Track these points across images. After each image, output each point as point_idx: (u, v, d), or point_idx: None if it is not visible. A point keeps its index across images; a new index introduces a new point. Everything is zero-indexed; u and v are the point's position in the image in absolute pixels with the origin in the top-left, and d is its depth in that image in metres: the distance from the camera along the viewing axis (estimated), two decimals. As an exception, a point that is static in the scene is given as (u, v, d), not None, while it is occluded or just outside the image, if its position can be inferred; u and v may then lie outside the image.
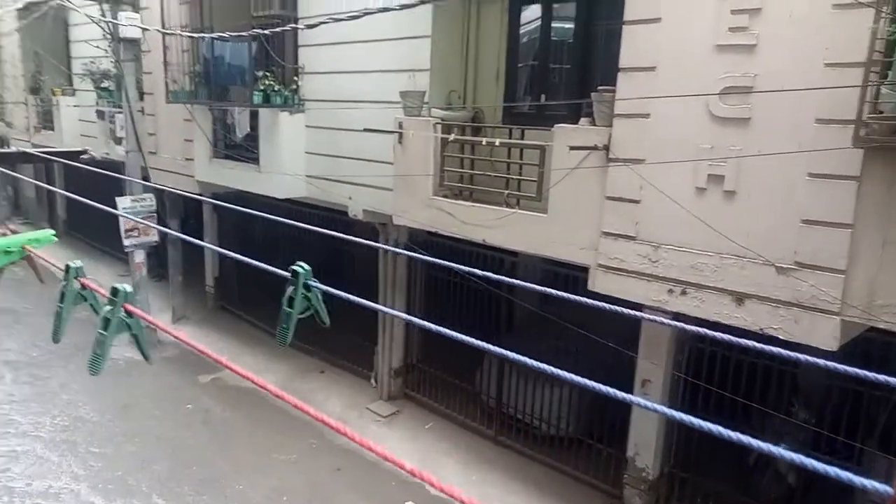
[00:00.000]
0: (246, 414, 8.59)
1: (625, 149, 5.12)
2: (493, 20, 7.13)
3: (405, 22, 6.77)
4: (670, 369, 6.09)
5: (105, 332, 0.87)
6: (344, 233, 9.54)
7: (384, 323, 8.76)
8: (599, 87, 5.32)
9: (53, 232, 0.89)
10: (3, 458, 7.47)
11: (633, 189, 5.11)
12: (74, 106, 13.78)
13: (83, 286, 0.90)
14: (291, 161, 8.53)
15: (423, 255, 3.54)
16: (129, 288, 0.89)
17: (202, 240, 11.77)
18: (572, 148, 5.31)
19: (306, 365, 9.92)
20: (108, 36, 10.51)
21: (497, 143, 6.03)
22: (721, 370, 5.71)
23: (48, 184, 15.79)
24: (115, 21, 9.90)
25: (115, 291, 0.87)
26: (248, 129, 8.96)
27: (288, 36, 8.10)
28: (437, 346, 8.19)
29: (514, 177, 6.18)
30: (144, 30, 9.69)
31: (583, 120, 5.51)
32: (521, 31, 7.15)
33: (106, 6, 10.17)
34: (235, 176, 9.36)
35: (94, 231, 15.32)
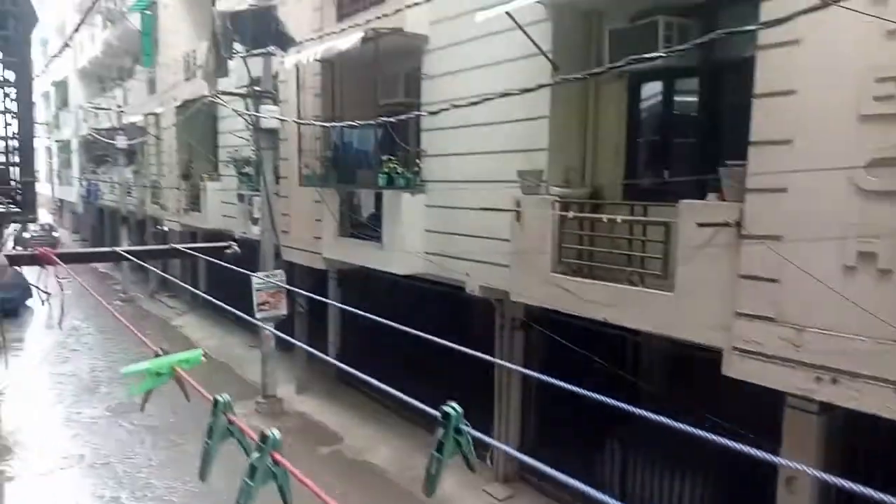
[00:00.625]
0: (363, 488, 8.59)
1: (759, 225, 4.83)
2: (612, 97, 7.14)
3: (523, 104, 6.91)
4: (821, 466, 5.46)
5: (251, 483, 0.87)
6: (461, 308, 9.64)
7: (500, 401, 8.59)
8: (728, 162, 5.12)
9: (202, 352, 0.94)
10: (139, 520, 7.89)
11: (770, 267, 4.77)
12: (219, 190, 15.15)
13: (230, 422, 0.92)
14: (411, 239, 8.80)
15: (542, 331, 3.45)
16: (278, 434, 0.89)
17: (326, 314, 12.27)
18: (700, 224, 5.09)
19: (422, 440, 9.83)
20: (251, 127, 11.57)
21: (619, 220, 5.90)
22: (885, 470, 5.04)
23: (192, 263, 17.24)
24: (256, 114, 10.91)
25: (263, 438, 0.87)
26: (372, 209, 9.40)
27: (411, 121, 8.53)
28: (556, 427, 7.88)
29: (638, 253, 5.98)
30: (282, 121, 10.58)
31: (710, 195, 5.29)
32: (642, 105, 7.10)
33: (249, 101, 11.26)
34: (359, 253, 9.77)
35: (229, 303, 16.40)
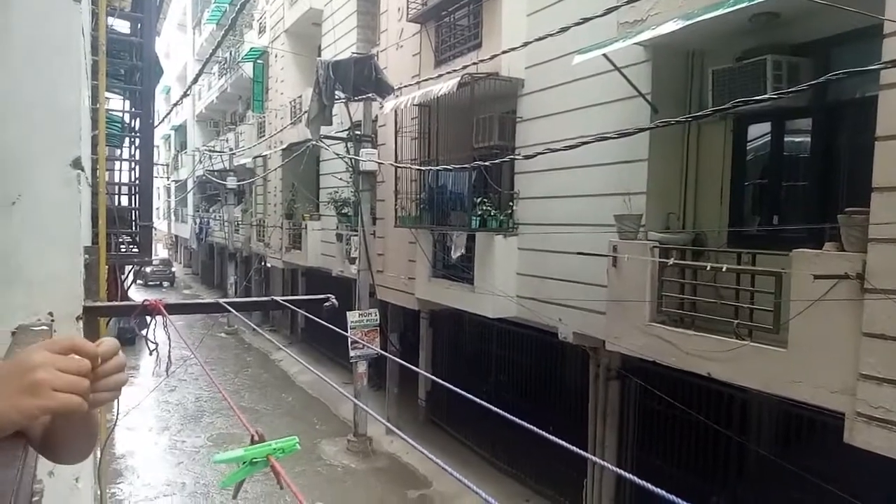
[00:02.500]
0: (450, 537, 8.42)
1: (885, 279, 4.40)
2: (715, 139, 6.84)
3: (620, 146, 6.75)
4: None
5: None
6: (553, 355, 9.39)
7: (594, 451, 8.22)
8: (847, 209, 4.72)
9: (296, 440, 0.91)
10: (233, 554, 8.07)
11: (899, 326, 4.32)
12: (318, 229, 15.73)
13: None
14: (503, 281, 8.71)
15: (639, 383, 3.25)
16: None
17: (418, 352, 12.32)
18: (816, 277, 4.70)
19: (512, 490, 9.57)
20: (350, 169, 11.98)
21: (724, 269, 5.57)
22: None
23: (292, 294, 17.90)
24: (356, 157, 11.30)
25: None
26: (464, 251, 9.40)
27: (505, 164, 8.52)
28: (655, 484, 7.41)
29: (745, 305, 5.60)
30: (380, 163, 10.90)
31: (828, 245, 4.89)
32: (748, 147, 6.75)
33: (350, 144, 11.69)
34: (451, 294, 9.77)
35: (325, 340, 16.89)
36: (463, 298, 9.49)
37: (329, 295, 2.18)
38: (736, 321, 5.53)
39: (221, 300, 1.96)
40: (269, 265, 20.38)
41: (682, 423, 7.18)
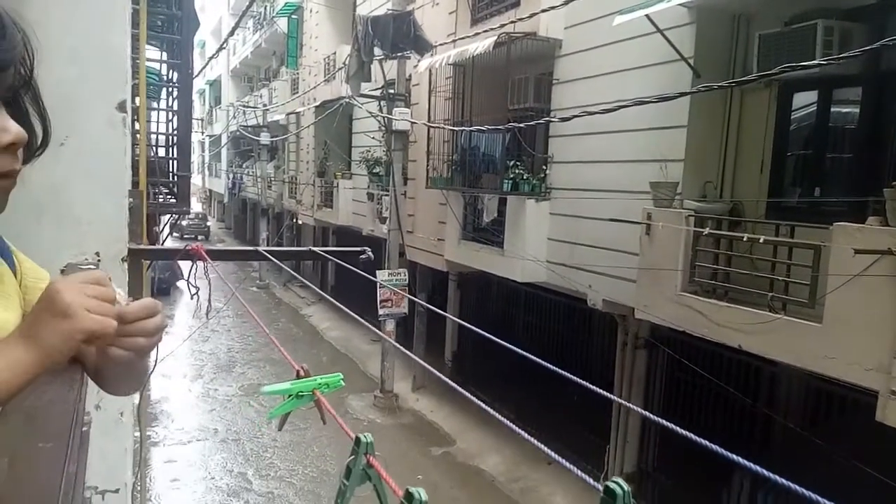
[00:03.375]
0: (471, 494, 8.60)
1: (930, 255, 4.27)
2: (758, 107, 6.64)
3: (659, 112, 6.60)
4: None
5: (347, 482, 0.84)
6: (581, 321, 9.39)
7: (618, 420, 8.26)
8: (895, 183, 4.57)
9: (341, 377, 0.94)
10: (262, 498, 8.38)
11: (940, 304, 4.21)
12: (350, 188, 15.79)
13: (370, 465, 0.89)
14: (534, 246, 8.68)
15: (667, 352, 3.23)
16: (371, 438, 0.85)
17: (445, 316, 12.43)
18: (857, 251, 4.58)
19: (534, 452, 9.68)
20: (383, 128, 11.95)
21: (761, 240, 5.46)
22: None
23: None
24: (389, 116, 11.25)
25: (358, 442, 0.84)
26: (496, 214, 9.37)
27: (539, 126, 8.41)
28: (677, 453, 7.45)
29: (781, 278, 5.50)
30: (413, 123, 10.83)
31: (871, 219, 4.75)
32: (793, 116, 6.54)
33: (383, 103, 11.63)
34: (480, 257, 9.78)
35: (355, 298, 17.10)
36: (492, 262, 9.49)
37: (365, 248, 2.19)
38: (770, 294, 5.45)
39: (260, 248, 1.99)
40: (300, 222, 20.59)
41: (709, 394, 7.16)
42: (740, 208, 6.60)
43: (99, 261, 1.59)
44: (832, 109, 6.23)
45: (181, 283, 20.18)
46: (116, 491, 1.86)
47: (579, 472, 1.00)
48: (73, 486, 0.56)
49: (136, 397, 2.55)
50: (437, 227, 11.25)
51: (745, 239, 5.67)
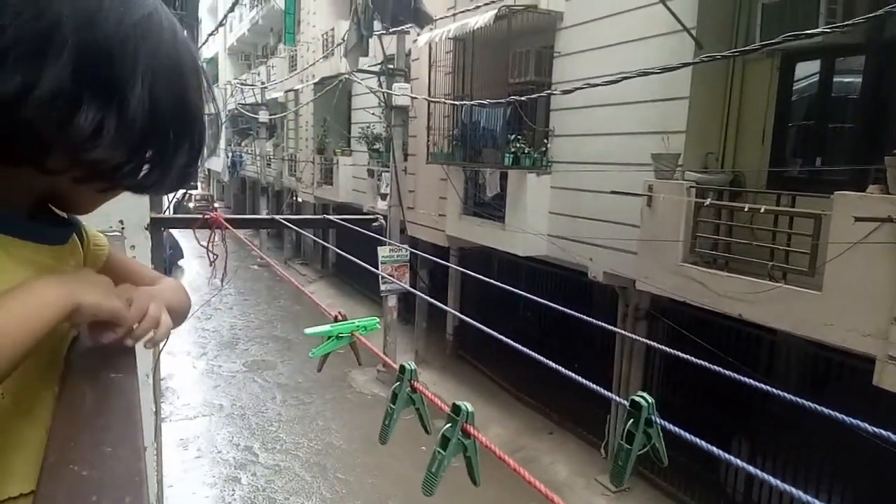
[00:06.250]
0: (474, 465, 8.74)
1: (929, 222, 4.32)
2: (759, 78, 6.63)
3: (660, 83, 6.60)
4: None
5: (443, 452, 0.91)
6: (582, 294, 9.44)
7: (618, 391, 8.38)
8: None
9: (377, 320, 0.99)
10: (269, 470, 8.52)
11: (939, 270, 4.27)
12: (350, 165, 15.77)
13: (414, 389, 0.96)
14: (535, 220, 8.71)
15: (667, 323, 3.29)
16: (470, 408, 0.92)
17: (447, 289, 12.51)
18: (857, 219, 4.63)
19: (536, 423, 9.85)
20: (383, 104, 11.91)
21: (762, 210, 5.50)
22: None
23: (323, 231, 18.13)
24: (389, 91, 11.20)
25: (456, 409, 0.90)
26: (497, 189, 9.39)
27: (540, 100, 8.39)
28: (677, 422, 7.56)
29: (781, 247, 5.56)
30: (413, 98, 10.79)
31: (871, 187, 4.79)
32: (794, 87, 6.54)
33: (383, 78, 11.58)
34: (481, 232, 9.82)
35: (356, 273, 17.18)
36: (493, 236, 9.53)
37: (378, 215, 2.23)
38: (771, 263, 5.51)
39: (277, 216, 2.03)
40: (300, 200, 20.58)
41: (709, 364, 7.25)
42: (741, 179, 6.63)
43: (123, 228, 1.63)
44: (834, 79, 6.23)
45: (182, 262, 20.26)
46: (145, 449, 1.92)
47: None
48: (138, 409, 0.61)
49: (149, 367, 2.61)
50: (437, 202, 11.28)
51: (746, 209, 5.71)
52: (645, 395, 0.81)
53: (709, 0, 6.48)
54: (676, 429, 1.00)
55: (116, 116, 0.66)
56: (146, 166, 0.73)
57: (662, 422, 0.99)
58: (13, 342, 0.61)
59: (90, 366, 0.69)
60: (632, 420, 0.92)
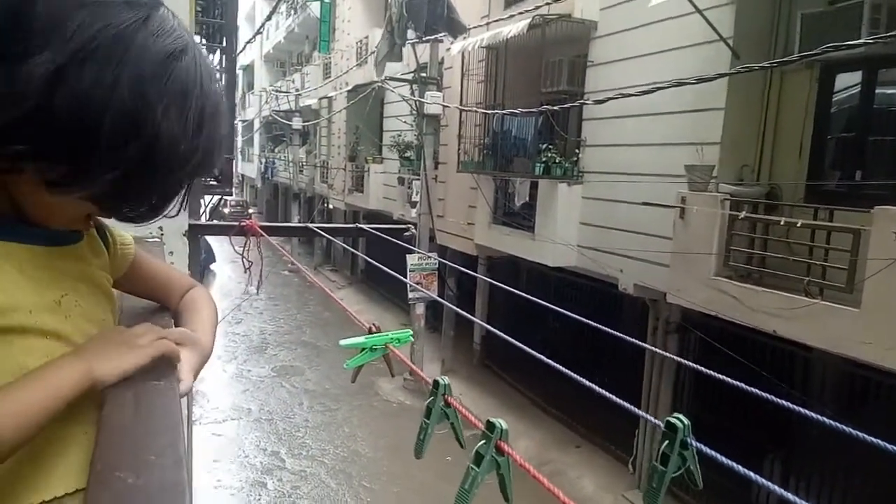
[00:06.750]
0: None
1: (976, 240, 4.19)
2: (798, 89, 6.52)
3: (695, 94, 6.53)
4: None
5: (477, 469, 0.91)
6: (611, 306, 9.34)
7: (647, 405, 8.25)
8: (940, 165, 4.48)
9: (410, 333, 1.01)
10: (295, 476, 8.58)
11: None
12: (381, 172, 15.88)
13: (447, 404, 0.97)
14: (565, 230, 8.66)
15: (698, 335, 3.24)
16: (504, 425, 0.91)
17: (474, 298, 12.49)
18: (899, 235, 4.51)
19: (563, 436, 9.75)
20: (414, 112, 11.98)
21: (799, 224, 5.39)
22: None
23: (353, 239, 18.25)
24: (421, 99, 11.27)
25: (490, 426, 0.90)
26: (527, 198, 9.36)
27: (573, 109, 8.36)
28: (708, 440, 7.42)
29: (818, 263, 5.43)
30: (445, 107, 10.84)
31: (915, 202, 4.67)
32: (834, 98, 6.41)
33: (415, 86, 11.65)
34: (510, 242, 9.80)
35: (385, 280, 17.26)
36: (522, 246, 9.50)
37: (409, 225, 2.25)
38: (807, 279, 5.39)
39: (310, 224, 2.06)
40: (331, 206, 20.78)
41: (741, 380, 7.10)
42: (777, 192, 6.51)
43: (162, 234, 1.67)
44: (877, 91, 6.09)
45: (214, 266, 20.58)
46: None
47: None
48: (180, 417, 0.62)
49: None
50: (467, 211, 11.29)
51: (781, 223, 5.60)
52: (681, 416, 0.80)
53: (747, 10, 6.40)
54: (712, 452, 0.98)
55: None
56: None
57: (698, 444, 0.97)
58: (28, 423, 0.65)
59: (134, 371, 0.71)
60: (667, 441, 0.90)
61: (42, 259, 0.78)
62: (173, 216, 0.81)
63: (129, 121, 0.66)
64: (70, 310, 0.79)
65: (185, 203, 0.83)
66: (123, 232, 1.00)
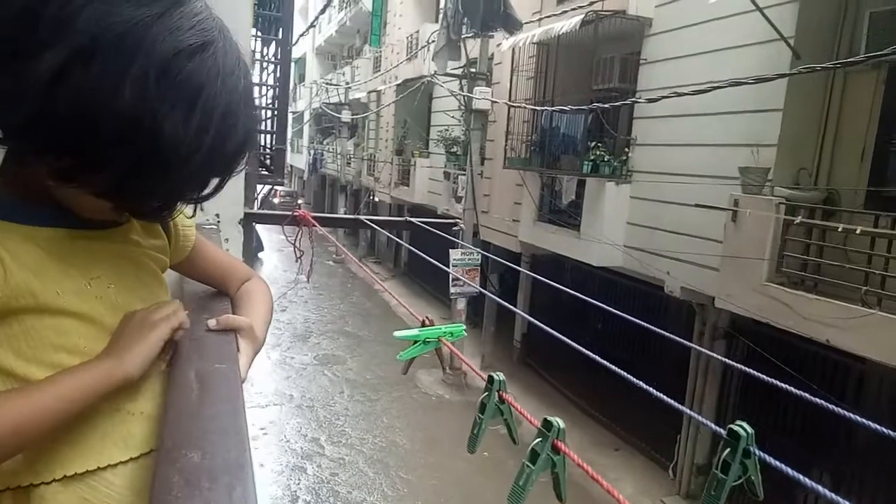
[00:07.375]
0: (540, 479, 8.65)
1: None
2: (863, 91, 6.27)
3: (752, 94, 6.34)
4: None
5: (532, 466, 0.92)
6: (657, 309, 9.18)
7: (692, 411, 8.09)
8: None
9: (463, 327, 1.02)
10: (334, 463, 8.71)
11: None
12: (427, 167, 15.94)
13: (502, 399, 0.98)
14: (611, 230, 8.55)
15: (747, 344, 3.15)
16: (561, 424, 0.92)
17: (516, 296, 12.44)
18: (967, 246, 4.31)
19: (601, 438, 9.65)
20: (462, 107, 11.98)
21: (858, 231, 5.20)
22: None
23: (397, 232, 18.39)
24: (469, 95, 11.25)
25: (547, 425, 0.91)
26: (573, 197, 9.27)
27: (623, 108, 8.23)
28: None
29: (878, 272, 5.23)
30: (493, 102, 10.80)
31: (985, 212, 4.45)
32: (901, 102, 6.15)
33: (464, 82, 11.64)
34: (555, 240, 9.72)
35: (427, 274, 17.35)
36: (567, 244, 9.42)
37: (457, 220, 2.25)
38: (865, 288, 5.20)
39: (360, 216, 2.09)
40: (377, 199, 20.96)
41: (789, 391, 6.91)
42: (836, 197, 6.29)
43: (219, 222, 1.72)
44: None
45: (262, 255, 21.00)
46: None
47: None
48: (241, 399, 0.64)
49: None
50: (512, 207, 11.24)
51: (839, 229, 5.41)
52: (744, 424, 0.78)
53: (810, 9, 6.19)
54: (777, 462, 0.96)
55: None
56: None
57: (761, 454, 0.95)
58: (54, 420, 0.68)
59: (197, 354, 0.73)
60: (728, 449, 0.88)
61: (68, 241, 0.79)
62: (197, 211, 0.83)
63: (129, 120, 0.66)
64: (102, 291, 0.80)
65: (215, 193, 0.86)
66: (190, 222, 1.03)
